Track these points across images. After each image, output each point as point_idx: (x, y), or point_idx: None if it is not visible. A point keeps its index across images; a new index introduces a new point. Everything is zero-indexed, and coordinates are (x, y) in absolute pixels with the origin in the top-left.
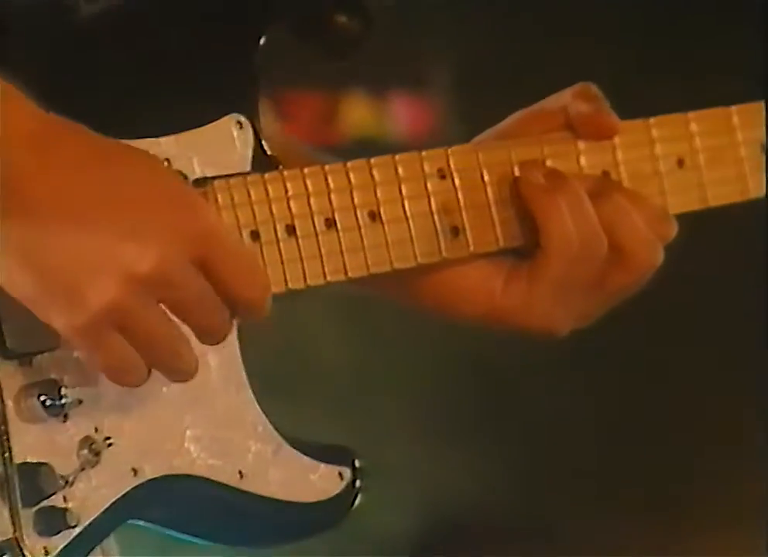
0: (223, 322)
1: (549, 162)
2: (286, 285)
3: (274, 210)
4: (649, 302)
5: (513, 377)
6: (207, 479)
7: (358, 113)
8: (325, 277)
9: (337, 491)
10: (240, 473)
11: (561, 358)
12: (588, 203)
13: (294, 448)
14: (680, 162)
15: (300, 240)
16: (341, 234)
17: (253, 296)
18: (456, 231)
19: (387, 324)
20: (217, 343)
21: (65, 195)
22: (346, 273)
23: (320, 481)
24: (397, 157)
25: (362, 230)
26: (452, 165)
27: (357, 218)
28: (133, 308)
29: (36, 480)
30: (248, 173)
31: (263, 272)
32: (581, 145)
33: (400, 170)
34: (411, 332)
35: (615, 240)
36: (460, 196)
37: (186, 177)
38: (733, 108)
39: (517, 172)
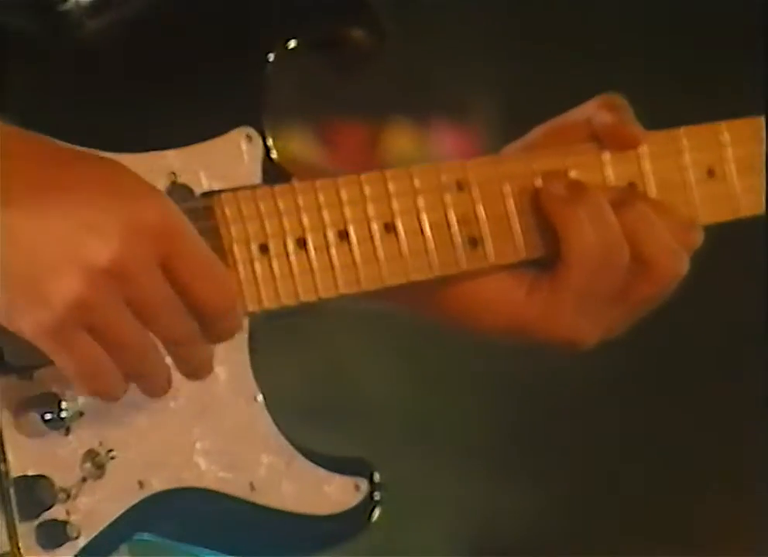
0: (190, 333)
1: (572, 173)
2: (297, 297)
3: (285, 223)
4: (694, 328)
5: (559, 407)
6: (218, 492)
7: (401, 141)
8: (338, 289)
9: (353, 503)
10: (252, 485)
11: (608, 388)
12: (610, 213)
13: (309, 459)
14: (711, 172)
15: (311, 253)
16: (354, 245)
17: (217, 303)
18: (474, 242)
19: (433, 355)
20: (192, 368)
21: (20, 196)
22: (359, 285)
23: (335, 493)
24: (413, 169)
25: (376, 241)
26: (471, 177)
27: (371, 230)
28: (98, 303)
29: (35, 494)
30: (257, 186)
31: (230, 279)
32: (606, 156)
33: (416, 182)
34: (456, 363)
35: (639, 250)
36: (478, 207)
37: (191, 190)
38: (764, 118)
39: (538, 184)
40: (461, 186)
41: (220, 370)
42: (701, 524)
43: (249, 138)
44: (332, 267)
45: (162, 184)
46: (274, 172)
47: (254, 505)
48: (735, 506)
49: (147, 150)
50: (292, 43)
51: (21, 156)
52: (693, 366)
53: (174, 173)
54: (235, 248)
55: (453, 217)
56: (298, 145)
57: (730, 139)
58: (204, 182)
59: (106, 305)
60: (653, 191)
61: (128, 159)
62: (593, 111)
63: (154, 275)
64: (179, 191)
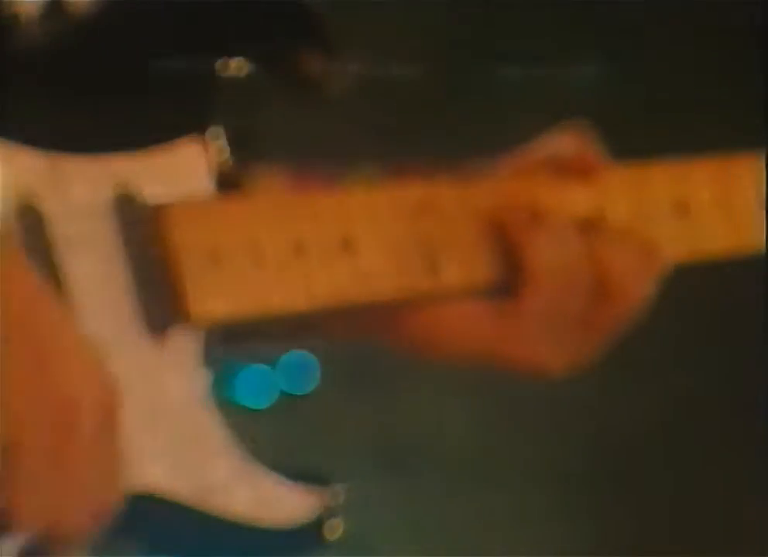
0: None
1: (538, 200)
2: (248, 310)
3: (237, 234)
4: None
5: (638, 459)
6: (165, 498)
7: None
8: (292, 305)
9: (311, 515)
10: (203, 493)
11: (683, 436)
12: (571, 236)
13: (267, 469)
14: (682, 208)
15: (264, 265)
16: (309, 261)
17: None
18: (434, 265)
19: (510, 405)
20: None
21: None
22: (314, 302)
23: (293, 504)
24: (375, 187)
25: (333, 258)
26: (434, 198)
27: (328, 246)
28: None
29: None
30: (209, 195)
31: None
32: (573, 185)
33: (377, 200)
34: (535, 415)
35: (602, 273)
36: (440, 229)
37: (139, 198)
38: (740, 157)
39: (501, 209)
40: (423, 207)
41: (172, 376)
42: None
43: (202, 146)
44: (286, 281)
45: (108, 191)
46: (228, 183)
47: (205, 514)
48: None
49: (95, 153)
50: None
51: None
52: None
53: (122, 180)
54: (184, 258)
55: (414, 238)
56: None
57: (704, 176)
58: (152, 190)
59: None
60: (621, 222)
61: (74, 163)
62: (557, 140)
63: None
64: (125, 199)
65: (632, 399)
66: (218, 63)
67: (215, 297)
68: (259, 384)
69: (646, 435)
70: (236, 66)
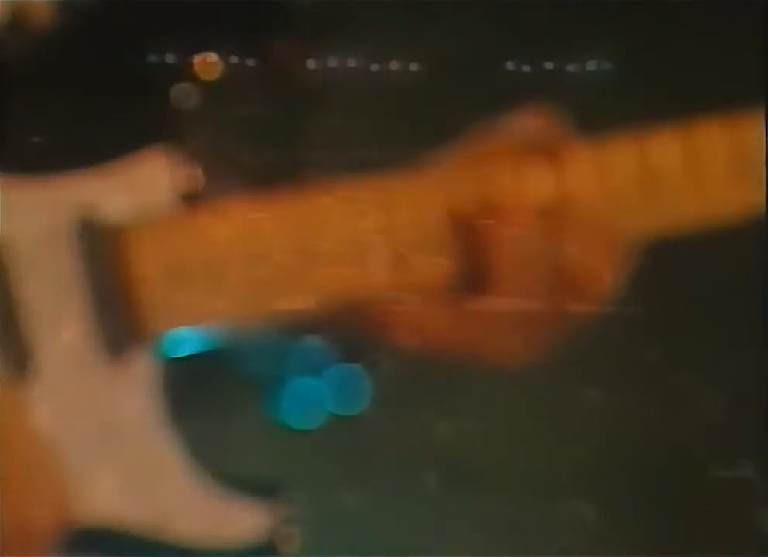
0: None
1: (501, 187)
2: (207, 327)
3: (198, 247)
4: None
5: (638, 459)
6: (120, 530)
7: None
8: (257, 312)
9: (267, 532)
10: (156, 520)
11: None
12: (536, 231)
13: (220, 487)
14: (650, 181)
15: (225, 276)
16: (272, 273)
17: None
18: (400, 264)
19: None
20: None
21: None
22: (279, 315)
23: (248, 522)
24: (336, 188)
25: (295, 262)
26: (395, 195)
27: (289, 250)
28: None
29: None
30: (171, 212)
31: None
32: (536, 169)
33: (338, 201)
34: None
35: (566, 266)
36: (403, 226)
37: (100, 215)
38: (713, 121)
39: (464, 204)
40: (385, 204)
41: (127, 400)
42: None
43: (166, 157)
44: (250, 296)
45: (70, 213)
46: (190, 194)
47: (156, 541)
48: None
49: (57, 171)
50: (209, 57)
51: None
52: None
53: (83, 200)
54: (144, 278)
55: (378, 238)
56: None
57: (675, 146)
58: (116, 204)
59: None
60: (587, 202)
61: (36, 185)
62: (519, 121)
63: None
64: (87, 220)
65: (632, 400)
66: (189, 62)
67: (175, 316)
68: (307, 403)
69: (646, 436)
70: (208, 66)
